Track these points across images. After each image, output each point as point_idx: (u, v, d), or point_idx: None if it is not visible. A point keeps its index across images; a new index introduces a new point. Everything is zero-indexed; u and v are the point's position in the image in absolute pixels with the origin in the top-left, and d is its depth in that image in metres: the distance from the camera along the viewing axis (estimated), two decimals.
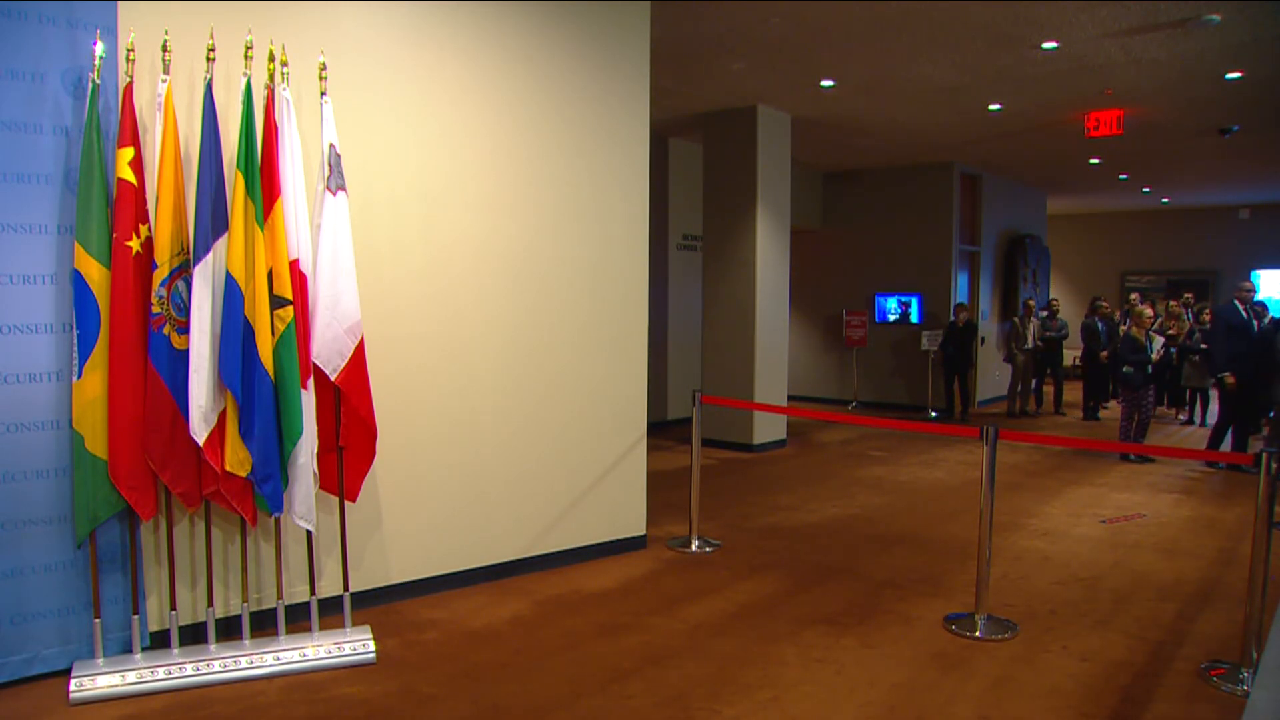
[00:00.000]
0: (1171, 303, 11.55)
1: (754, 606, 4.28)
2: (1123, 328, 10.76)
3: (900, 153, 10.87)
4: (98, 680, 3.20)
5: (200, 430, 3.24)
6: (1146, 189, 14.10)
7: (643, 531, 5.27)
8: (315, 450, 3.56)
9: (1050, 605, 4.35)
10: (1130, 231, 17.19)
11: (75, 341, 3.14)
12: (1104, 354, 10.88)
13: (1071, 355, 12.95)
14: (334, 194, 3.55)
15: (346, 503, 3.84)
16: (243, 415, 3.32)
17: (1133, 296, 12.41)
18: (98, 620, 3.31)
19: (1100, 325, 11.08)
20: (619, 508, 5.14)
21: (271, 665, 3.43)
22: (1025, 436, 4.61)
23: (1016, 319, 11.45)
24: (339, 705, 3.18)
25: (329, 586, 3.89)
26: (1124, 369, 8.29)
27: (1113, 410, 11.68)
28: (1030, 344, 11.15)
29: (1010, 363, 11.46)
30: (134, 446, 3.20)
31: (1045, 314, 11.62)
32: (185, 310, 3.27)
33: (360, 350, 3.61)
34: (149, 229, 3.24)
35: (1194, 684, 3.47)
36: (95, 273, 3.13)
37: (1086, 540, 5.58)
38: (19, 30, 3.14)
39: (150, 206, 3.26)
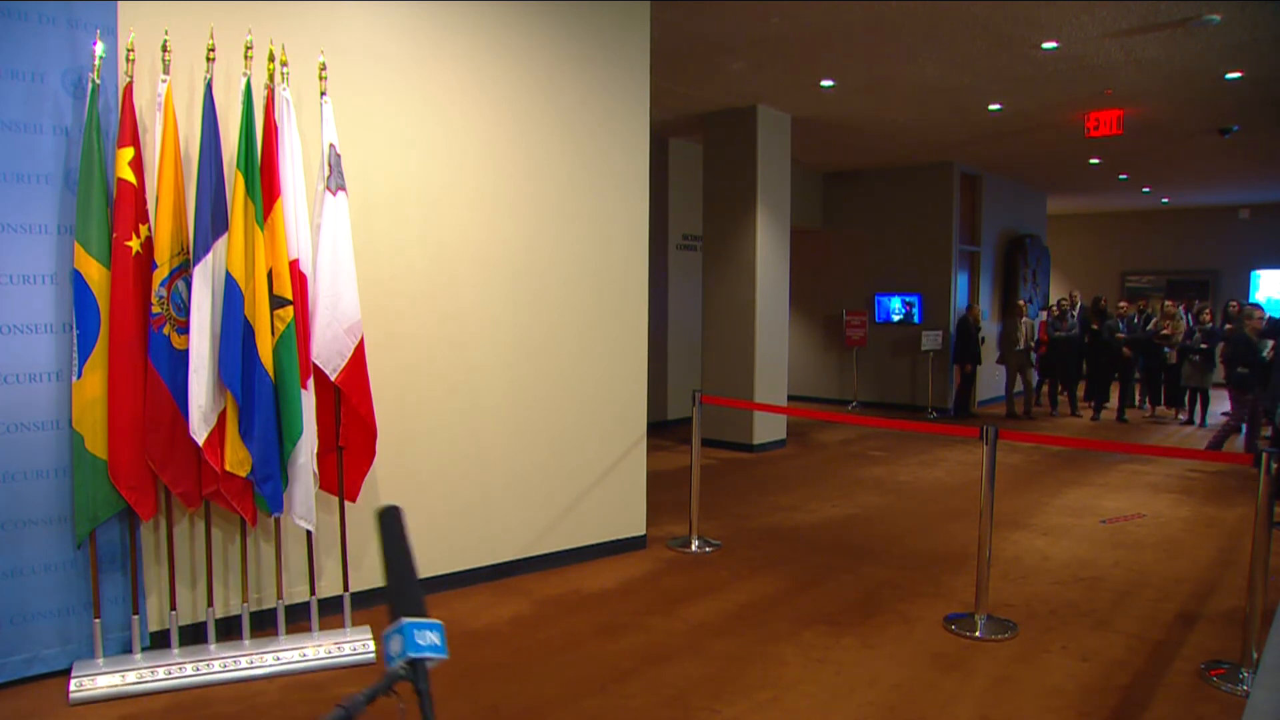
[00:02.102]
0: (1167, 303, 11.53)
1: (754, 606, 4.28)
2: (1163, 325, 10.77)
3: (900, 153, 10.87)
4: (98, 680, 3.20)
5: (200, 430, 3.24)
6: (1146, 189, 14.10)
7: (643, 531, 5.27)
8: (315, 450, 3.56)
9: (1050, 605, 4.35)
10: (1130, 231, 17.19)
11: (75, 341, 3.14)
12: (1126, 350, 10.92)
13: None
14: (334, 194, 3.55)
15: (346, 503, 3.84)
16: (243, 415, 3.32)
17: (1128, 302, 12.30)
18: (98, 620, 3.31)
19: (1121, 325, 11.12)
20: (619, 508, 5.14)
21: (271, 665, 3.43)
22: (1025, 436, 4.60)
23: (1008, 319, 11.34)
24: None
25: (329, 586, 3.89)
26: (1238, 369, 8.01)
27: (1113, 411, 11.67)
28: (1023, 345, 11.03)
29: (1004, 364, 11.40)
30: (134, 446, 3.20)
31: (1056, 313, 11.53)
32: (185, 310, 3.27)
33: (360, 350, 3.61)
34: (149, 229, 3.24)
35: (1194, 684, 3.47)
36: (95, 273, 3.13)
37: (1086, 540, 5.57)
38: (19, 30, 3.14)
39: (150, 206, 3.26)
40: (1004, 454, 8.46)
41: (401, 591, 1.08)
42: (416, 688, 1.02)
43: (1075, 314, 11.53)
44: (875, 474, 7.72)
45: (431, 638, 1.05)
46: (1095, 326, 11.52)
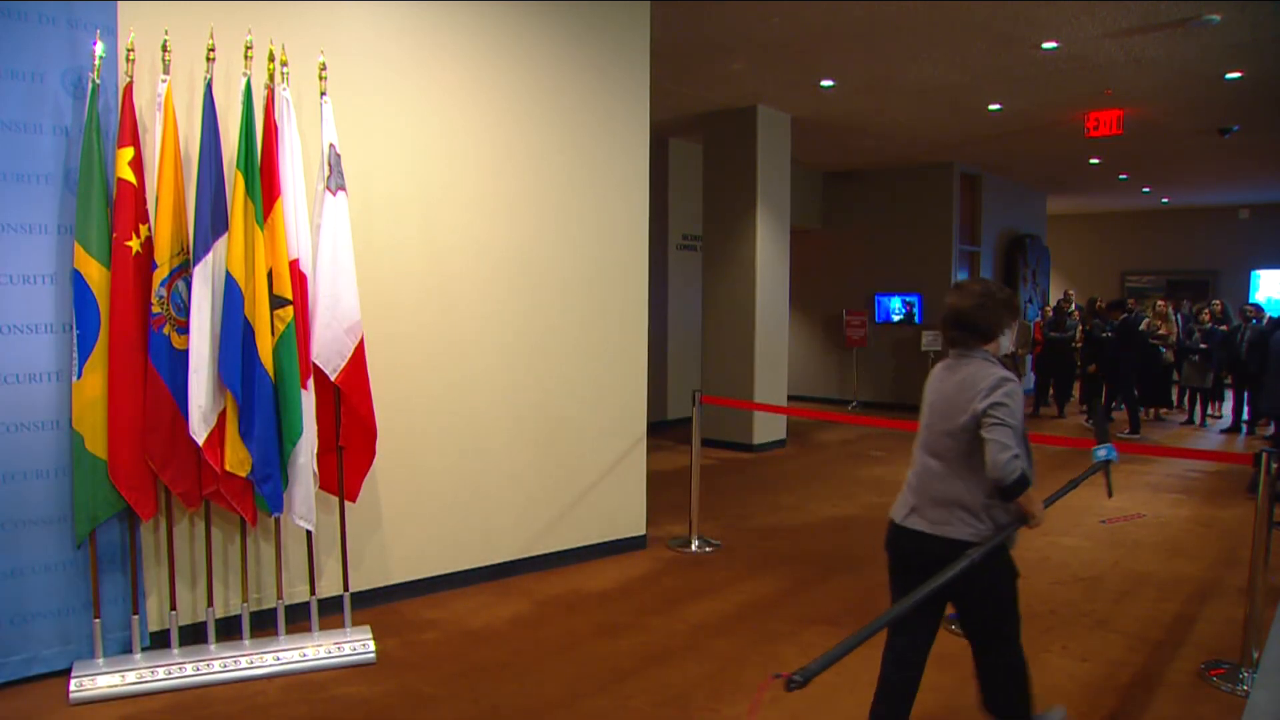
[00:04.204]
0: (1160, 303, 11.51)
1: (754, 606, 4.28)
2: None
3: (900, 153, 10.87)
4: (98, 680, 3.20)
5: (200, 430, 3.24)
6: (1146, 189, 14.10)
7: (643, 531, 5.27)
8: (315, 450, 3.55)
9: (1050, 605, 4.35)
10: (1130, 231, 17.18)
11: (75, 341, 3.14)
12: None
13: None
14: (334, 194, 3.55)
15: (346, 502, 3.84)
16: (242, 415, 3.32)
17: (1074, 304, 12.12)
18: (97, 620, 3.31)
19: (1109, 326, 11.08)
20: (619, 508, 5.14)
21: (271, 665, 3.43)
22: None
23: None
24: (339, 705, 3.18)
25: (329, 586, 3.89)
26: None
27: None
28: (1011, 349, 10.90)
29: None
30: (134, 446, 3.20)
31: (1054, 315, 11.46)
32: (185, 310, 3.27)
33: (360, 350, 3.61)
34: (149, 229, 3.24)
35: (1194, 684, 3.47)
36: (95, 273, 3.13)
37: (1086, 540, 5.57)
38: (19, 30, 3.14)
39: (150, 206, 3.26)
40: None
41: (1103, 431, 2.90)
42: (1107, 474, 2.85)
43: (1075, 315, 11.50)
44: (875, 474, 7.71)
45: (1113, 453, 2.90)
46: (1088, 327, 11.51)
